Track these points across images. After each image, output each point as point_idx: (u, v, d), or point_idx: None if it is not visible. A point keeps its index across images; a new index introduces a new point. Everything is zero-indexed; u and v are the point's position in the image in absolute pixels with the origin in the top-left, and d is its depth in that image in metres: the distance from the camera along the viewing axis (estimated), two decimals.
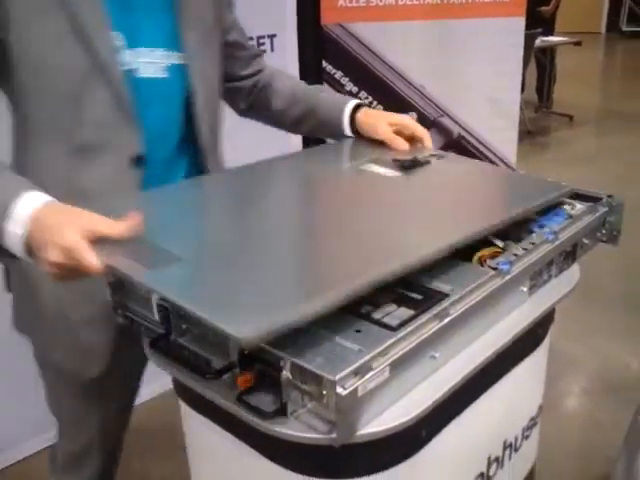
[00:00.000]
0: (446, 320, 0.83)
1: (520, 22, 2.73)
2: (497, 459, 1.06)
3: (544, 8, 6.35)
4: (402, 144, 1.31)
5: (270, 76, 1.41)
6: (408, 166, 1.20)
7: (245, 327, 0.70)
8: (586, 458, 2.16)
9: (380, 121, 1.33)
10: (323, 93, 1.46)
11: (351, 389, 0.69)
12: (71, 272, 0.87)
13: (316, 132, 1.45)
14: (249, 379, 0.79)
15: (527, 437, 1.15)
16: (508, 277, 0.94)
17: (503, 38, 2.71)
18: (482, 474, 1.03)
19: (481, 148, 2.90)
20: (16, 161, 1.12)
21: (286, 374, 0.74)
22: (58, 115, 1.06)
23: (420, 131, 1.33)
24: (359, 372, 0.72)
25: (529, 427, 1.15)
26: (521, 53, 2.77)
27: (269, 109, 1.41)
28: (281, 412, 0.76)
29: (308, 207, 1.14)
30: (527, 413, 1.15)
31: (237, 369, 0.81)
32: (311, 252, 0.95)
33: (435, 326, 0.82)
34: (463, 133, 2.87)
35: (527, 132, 6.03)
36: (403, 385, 0.79)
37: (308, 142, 2.65)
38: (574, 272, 1.12)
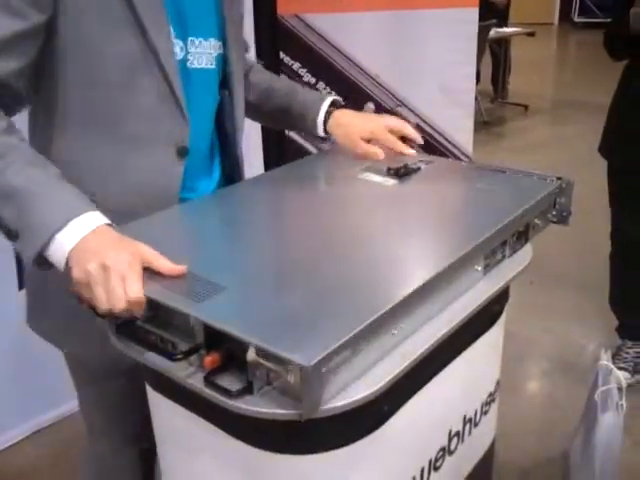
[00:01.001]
0: (404, 295, 0.85)
1: (474, 13, 2.77)
2: (457, 434, 1.10)
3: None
4: (377, 154, 1.32)
5: (248, 69, 1.42)
6: (402, 174, 1.25)
7: (308, 353, 0.72)
8: (545, 435, 2.23)
9: (353, 131, 1.32)
10: (300, 89, 1.45)
11: (316, 363, 0.72)
12: (103, 292, 0.85)
13: (290, 127, 1.46)
14: (216, 360, 0.81)
15: (486, 412, 1.19)
16: (462, 253, 0.97)
17: (457, 29, 2.75)
18: (443, 448, 1.06)
19: (438, 137, 2.95)
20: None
21: (251, 354, 0.77)
22: (106, 104, 1.04)
23: (410, 131, 1.35)
24: (324, 349, 0.74)
25: (488, 402, 1.19)
26: (475, 43, 2.83)
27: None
28: (247, 390, 0.78)
29: (325, 220, 1.13)
30: (486, 388, 1.19)
31: (203, 350, 0.83)
32: (342, 268, 0.94)
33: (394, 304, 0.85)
34: (420, 123, 2.91)
35: (483, 122, 6.14)
36: (364, 361, 0.82)
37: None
38: (527, 251, 1.16)
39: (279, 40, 2.78)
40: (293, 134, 2.86)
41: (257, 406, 0.78)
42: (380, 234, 1.05)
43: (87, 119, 1.06)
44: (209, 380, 0.80)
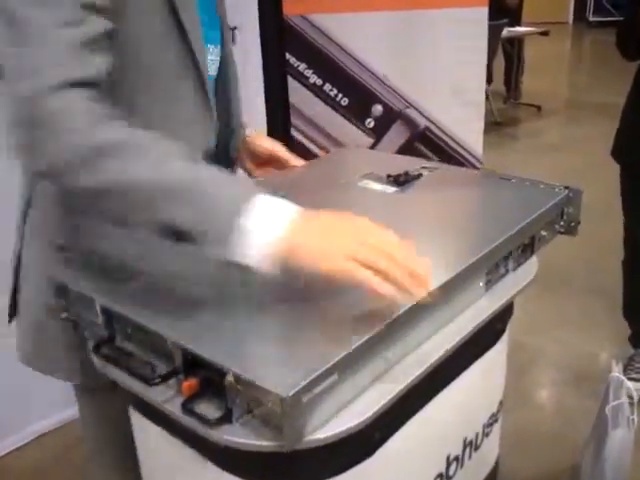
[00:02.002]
0: (394, 316, 0.80)
1: (483, 12, 2.71)
2: (457, 458, 1.04)
3: None
4: (295, 160, 1.29)
5: None
6: (403, 181, 1.20)
7: (287, 383, 0.67)
8: (555, 447, 2.17)
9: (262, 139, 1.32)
10: None
11: (295, 393, 0.67)
12: (395, 267, 0.76)
13: None
14: (194, 385, 0.76)
15: (488, 434, 1.13)
16: (461, 269, 0.91)
17: (467, 28, 2.69)
18: (441, 475, 1.01)
19: (447, 139, 2.89)
20: None
21: (230, 380, 0.72)
22: (149, 113, 1.00)
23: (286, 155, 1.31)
24: (305, 377, 0.69)
25: (490, 424, 1.14)
26: (485, 43, 2.76)
27: None
28: (226, 419, 0.73)
29: None
30: (487, 410, 1.13)
31: (182, 375, 0.78)
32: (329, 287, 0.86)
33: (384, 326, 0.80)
34: (429, 125, 2.85)
35: (495, 123, 6.06)
36: (353, 388, 0.77)
37: None
38: (532, 264, 1.10)
39: (285, 41, 2.73)
40: (298, 135, 2.81)
41: (237, 436, 0.73)
42: None
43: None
44: (187, 407, 0.75)
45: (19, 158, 0.82)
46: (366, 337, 0.75)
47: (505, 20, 5.69)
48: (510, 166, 4.89)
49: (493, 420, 1.14)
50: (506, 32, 5.93)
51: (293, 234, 0.78)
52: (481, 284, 0.98)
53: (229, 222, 0.77)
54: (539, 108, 6.60)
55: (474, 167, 2.95)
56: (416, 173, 1.24)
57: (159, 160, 0.81)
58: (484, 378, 1.07)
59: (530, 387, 2.54)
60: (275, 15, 2.66)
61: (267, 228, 0.77)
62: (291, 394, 0.66)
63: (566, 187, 1.15)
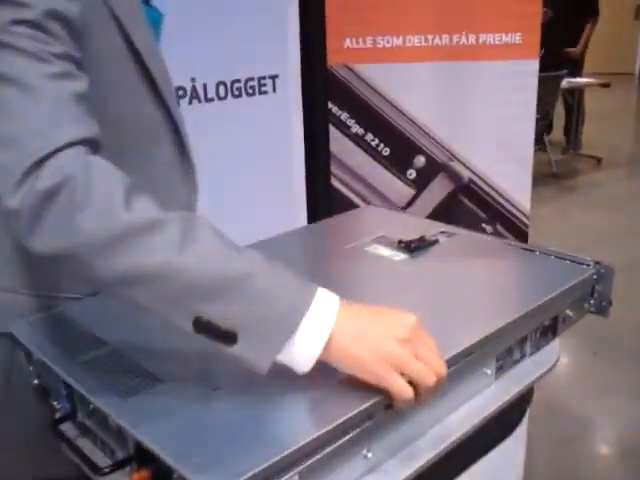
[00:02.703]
0: (378, 416, 0.71)
1: (533, 65, 2.62)
2: None
3: (572, 49, 6.24)
4: None
5: None
6: (415, 248, 1.11)
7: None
8: None
9: None
10: None
11: None
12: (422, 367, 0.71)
13: None
14: (144, 477, 0.68)
15: None
16: (465, 360, 0.81)
17: (515, 81, 2.60)
18: None
19: (492, 193, 2.78)
20: None
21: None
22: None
23: None
24: None
25: None
26: (534, 96, 2.66)
27: None
28: None
29: None
30: None
31: (135, 464, 0.70)
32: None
33: (366, 422, 0.70)
34: (473, 178, 2.75)
35: (553, 174, 5.88)
36: None
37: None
38: (553, 347, 0.99)
39: (328, 90, 2.69)
40: (338, 184, 2.76)
41: None
42: None
43: None
44: None
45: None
46: (314, 435, 0.65)
47: (565, 71, 5.57)
48: (563, 221, 4.71)
49: None
50: (565, 83, 5.79)
51: (339, 335, 0.70)
52: (489, 372, 0.87)
53: (281, 324, 0.68)
54: (599, 160, 6.39)
55: (521, 223, 2.83)
56: (432, 239, 1.14)
57: (201, 246, 0.69)
58: (494, 476, 0.95)
59: (571, 461, 2.35)
60: (318, 64, 2.64)
61: (318, 331, 0.69)
62: None
63: (597, 262, 1.04)
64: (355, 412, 0.68)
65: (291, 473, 0.64)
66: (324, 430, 0.65)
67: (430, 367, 0.70)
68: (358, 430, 0.69)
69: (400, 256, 1.09)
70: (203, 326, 0.68)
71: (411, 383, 0.70)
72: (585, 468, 2.36)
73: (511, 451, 0.98)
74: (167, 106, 0.94)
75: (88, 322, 0.85)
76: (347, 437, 0.68)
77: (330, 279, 1.01)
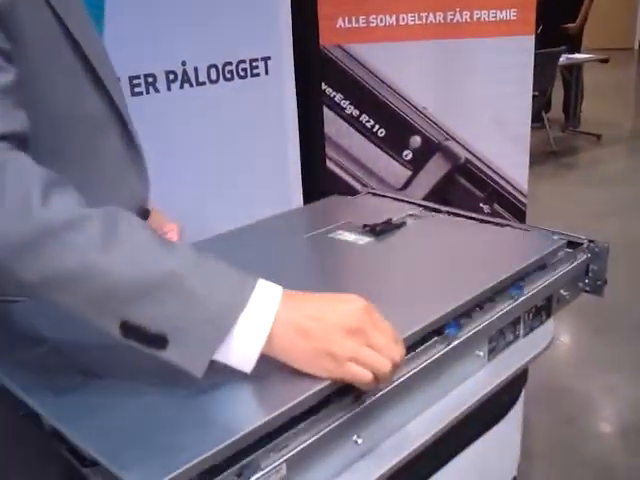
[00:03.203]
0: (367, 402, 0.69)
1: (529, 41, 2.58)
2: None
3: (570, 25, 6.18)
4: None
5: None
6: (380, 231, 1.10)
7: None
8: None
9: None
10: None
11: None
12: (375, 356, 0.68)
13: None
14: None
15: None
16: (456, 342, 0.80)
17: (510, 58, 2.56)
18: None
19: (490, 173, 2.76)
20: None
21: None
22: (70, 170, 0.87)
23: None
24: (241, 474, 0.59)
25: None
26: (530, 73, 2.63)
27: None
28: None
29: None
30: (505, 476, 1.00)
31: None
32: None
33: (356, 406, 0.69)
34: (470, 157, 2.72)
35: (552, 152, 5.84)
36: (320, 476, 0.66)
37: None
38: (547, 327, 0.97)
39: (321, 71, 2.66)
40: (334, 167, 2.74)
41: None
42: None
43: None
44: None
45: None
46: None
47: (563, 47, 5.51)
48: (561, 198, 4.69)
49: None
50: (564, 59, 5.74)
51: (283, 330, 0.67)
52: (481, 354, 0.86)
53: (214, 323, 0.65)
54: (599, 137, 6.35)
55: (519, 202, 2.81)
56: (399, 222, 1.12)
57: (125, 245, 0.65)
58: (488, 457, 0.94)
59: (576, 439, 2.35)
60: (311, 45, 2.61)
61: (257, 327, 0.66)
62: None
63: (591, 241, 1.02)
64: (308, 394, 0.65)
65: (279, 461, 0.62)
66: (269, 417, 0.62)
67: (385, 354, 0.67)
68: (344, 417, 0.68)
69: (365, 240, 1.07)
70: (131, 330, 0.65)
71: None
72: (586, 446, 2.36)
73: (507, 433, 0.97)
74: (110, 97, 0.90)
75: (28, 321, 0.82)
76: (335, 424, 0.67)
77: (287, 269, 0.98)
